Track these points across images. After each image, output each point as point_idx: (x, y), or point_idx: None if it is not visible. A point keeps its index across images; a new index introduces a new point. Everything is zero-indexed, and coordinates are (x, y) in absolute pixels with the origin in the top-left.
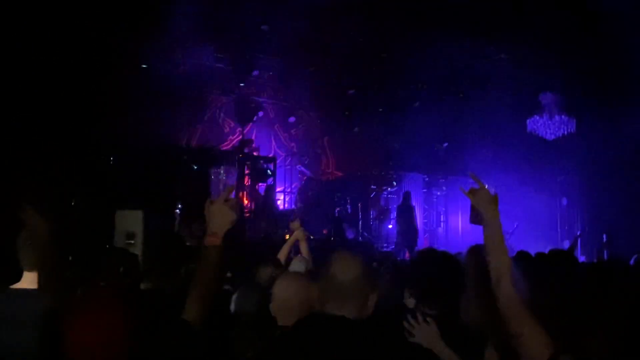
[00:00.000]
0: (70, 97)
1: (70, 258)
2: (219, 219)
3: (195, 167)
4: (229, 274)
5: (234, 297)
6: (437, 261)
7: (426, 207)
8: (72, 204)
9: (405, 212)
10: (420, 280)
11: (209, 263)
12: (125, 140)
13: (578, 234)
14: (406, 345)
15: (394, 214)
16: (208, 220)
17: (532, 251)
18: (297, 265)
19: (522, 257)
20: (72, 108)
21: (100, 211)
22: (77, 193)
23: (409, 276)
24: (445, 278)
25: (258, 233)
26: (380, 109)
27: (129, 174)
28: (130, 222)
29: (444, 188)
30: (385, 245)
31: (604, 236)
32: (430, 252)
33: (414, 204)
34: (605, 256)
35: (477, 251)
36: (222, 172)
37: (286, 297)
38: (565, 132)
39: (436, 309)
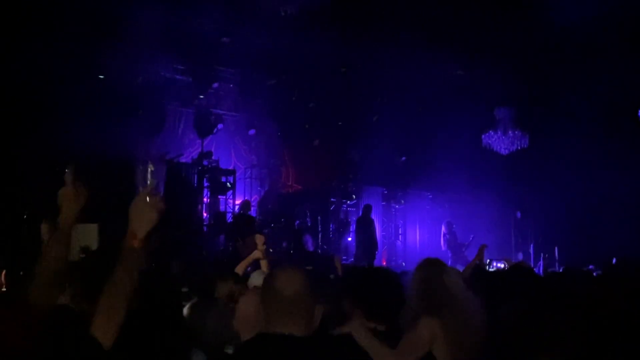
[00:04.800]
0: (24, 107)
1: (20, 273)
2: (139, 218)
3: None
4: (184, 289)
5: (186, 311)
6: (384, 279)
7: (385, 220)
8: (24, 217)
9: (365, 225)
10: (368, 297)
11: (124, 268)
12: (80, 152)
13: (472, 236)
14: None
15: (353, 227)
16: (129, 220)
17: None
18: (256, 279)
19: (479, 271)
20: (26, 118)
21: (54, 224)
22: (29, 206)
23: (357, 293)
24: (393, 296)
25: (216, 246)
26: (340, 123)
27: (84, 187)
28: (85, 235)
29: (403, 201)
30: (344, 257)
31: (556, 249)
32: (377, 270)
33: (373, 217)
34: (557, 268)
35: (425, 266)
36: (150, 165)
37: (249, 313)
38: (519, 147)
39: (385, 324)
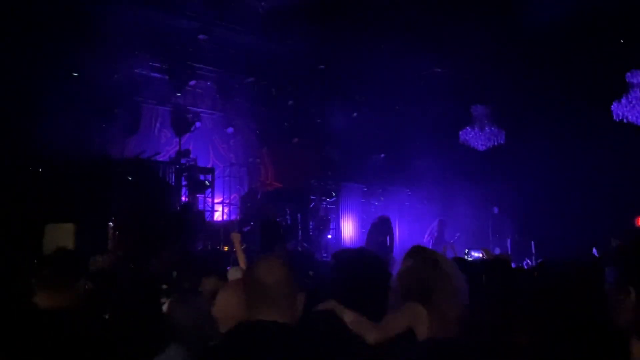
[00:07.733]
0: None
1: None
2: None
3: (130, 179)
4: (164, 286)
5: (167, 306)
6: (366, 262)
7: (364, 217)
8: None
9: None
10: (347, 282)
11: None
12: (55, 151)
13: (457, 235)
14: (339, 347)
15: (333, 224)
16: None
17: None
18: (233, 275)
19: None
20: None
21: (29, 225)
22: (2, 206)
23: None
24: (374, 280)
25: (195, 245)
26: (319, 120)
27: (59, 186)
28: (61, 235)
29: (382, 198)
30: (324, 255)
31: (532, 244)
32: (356, 253)
33: (353, 213)
34: (533, 263)
35: (416, 252)
36: None
37: (227, 304)
38: (495, 143)
39: (366, 311)
